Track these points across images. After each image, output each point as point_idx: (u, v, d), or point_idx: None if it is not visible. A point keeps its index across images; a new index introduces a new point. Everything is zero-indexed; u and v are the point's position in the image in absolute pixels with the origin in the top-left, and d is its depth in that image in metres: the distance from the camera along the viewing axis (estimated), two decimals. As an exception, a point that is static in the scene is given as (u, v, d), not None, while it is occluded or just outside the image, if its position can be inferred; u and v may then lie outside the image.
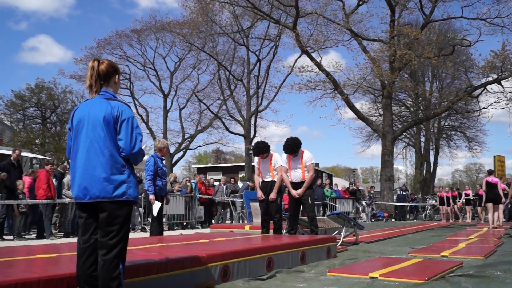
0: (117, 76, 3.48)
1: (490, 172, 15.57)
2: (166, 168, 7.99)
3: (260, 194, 8.10)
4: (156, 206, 7.50)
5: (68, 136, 3.48)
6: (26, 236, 11.18)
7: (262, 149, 8.07)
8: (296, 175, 8.09)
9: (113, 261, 3.19)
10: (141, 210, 13.72)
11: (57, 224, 12.40)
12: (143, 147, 3.40)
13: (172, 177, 16.05)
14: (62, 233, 11.88)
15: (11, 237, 10.81)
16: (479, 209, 20.75)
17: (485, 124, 43.15)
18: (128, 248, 3.40)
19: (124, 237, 3.29)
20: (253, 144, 10.41)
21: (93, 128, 3.28)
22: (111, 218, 3.23)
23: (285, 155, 8.20)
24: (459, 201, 21.32)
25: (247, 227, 9.79)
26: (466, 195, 20.95)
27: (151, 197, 7.52)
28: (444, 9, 34.93)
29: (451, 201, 20.17)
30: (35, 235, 11.32)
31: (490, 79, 25.00)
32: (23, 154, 15.86)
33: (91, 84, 3.37)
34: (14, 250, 5.49)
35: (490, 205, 14.66)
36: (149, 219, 10.21)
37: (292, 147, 7.97)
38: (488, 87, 25.31)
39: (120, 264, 3.23)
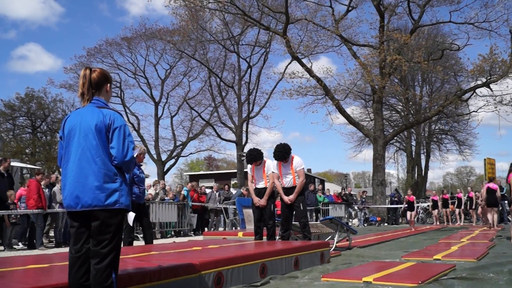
0: (108, 84, 3.48)
1: (490, 179, 17.10)
2: (144, 175, 7.86)
3: (256, 200, 8.07)
4: (131, 215, 7.39)
5: (60, 144, 3.46)
6: (17, 247, 11.08)
7: (256, 157, 8.07)
8: (287, 180, 8.12)
9: (106, 270, 3.17)
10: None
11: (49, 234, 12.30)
12: (134, 155, 3.39)
13: (161, 185, 15.99)
14: (53, 243, 11.79)
15: (2, 248, 10.71)
16: (471, 211, 20.89)
17: (475, 127, 43.57)
18: (120, 256, 3.38)
19: (116, 245, 3.27)
20: (245, 151, 10.42)
21: (85, 136, 3.27)
22: (104, 226, 3.21)
23: (275, 161, 8.22)
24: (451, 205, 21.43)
25: (240, 234, 9.77)
26: (458, 198, 21.05)
27: None
28: (432, 14, 35.30)
29: (439, 204, 20.30)
30: (26, 245, 11.21)
31: (479, 82, 25.25)
32: (13, 164, 15.76)
33: (83, 92, 3.37)
34: (5, 261, 5.44)
35: (490, 209, 16.16)
36: (140, 228, 10.08)
37: (282, 153, 7.99)
38: (477, 90, 25.54)
39: (113, 273, 3.21)
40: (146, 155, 8.11)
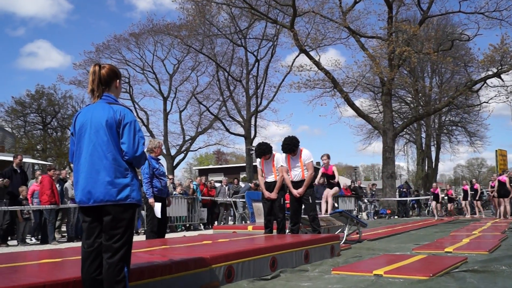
0: (118, 80, 3.51)
1: (502, 172, 18.54)
2: (164, 168, 7.78)
3: (267, 193, 8.04)
4: (158, 207, 7.31)
5: (71, 141, 3.51)
6: (30, 242, 11.22)
7: (264, 151, 8.04)
8: (296, 174, 8.09)
9: (118, 264, 3.21)
10: (144, 213, 13.71)
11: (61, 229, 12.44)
12: (145, 150, 3.41)
13: (170, 180, 16.04)
14: (66, 238, 11.91)
15: (15, 243, 10.84)
16: (475, 203, 20.87)
17: (486, 118, 43.18)
18: (132, 250, 3.41)
19: (128, 240, 3.31)
20: (254, 145, 10.37)
21: (96, 132, 3.30)
22: (115, 221, 3.25)
23: (284, 154, 8.20)
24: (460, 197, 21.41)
25: (250, 228, 9.79)
26: (464, 190, 20.95)
27: (151, 200, 7.21)
28: (441, 4, 35.00)
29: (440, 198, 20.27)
30: (39, 240, 11.33)
31: (489, 73, 24.96)
32: (25, 160, 15.88)
33: (93, 88, 3.40)
34: (18, 255, 5.50)
35: (501, 200, 17.20)
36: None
37: (290, 146, 7.96)
38: (488, 81, 25.30)
39: (125, 267, 3.25)
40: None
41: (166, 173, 8.71)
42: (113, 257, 3.21)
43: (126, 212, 3.29)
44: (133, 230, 3.43)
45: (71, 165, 3.46)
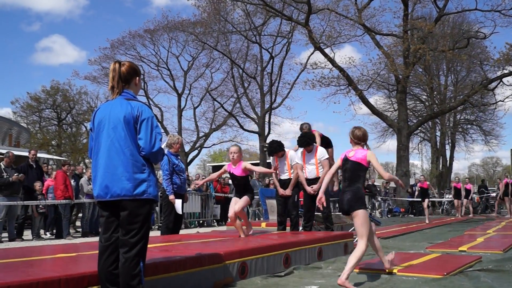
0: (137, 77, 3.56)
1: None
2: (183, 164, 7.75)
3: (282, 191, 8.02)
4: (178, 204, 7.26)
5: (90, 136, 3.57)
6: (45, 236, 11.34)
7: (276, 149, 7.99)
8: (310, 170, 8.05)
9: (134, 259, 3.26)
10: (157, 209, 13.80)
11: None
12: (162, 146, 3.44)
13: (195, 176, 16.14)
14: (80, 233, 12.02)
15: (30, 237, 10.97)
16: (465, 202, 20.83)
17: (502, 117, 42.72)
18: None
19: (145, 235, 3.35)
20: (267, 142, 10.30)
21: (114, 128, 3.35)
22: (132, 216, 3.30)
23: (299, 150, 8.17)
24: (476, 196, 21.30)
25: (263, 224, 9.80)
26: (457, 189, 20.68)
27: (171, 197, 7.19)
28: (458, 2, 34.56)
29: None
30: (53, 235, 11.46)
31: (506, 71, 24.66)
32: (40, 155, 16.07)
33: (113, 85, 3.45)
34: (34, 250, 5.57)
35: (507, 198, 18.05)
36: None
37: (305, 139, 7.91)
38: (504, 79, 24.98)
39: (141, 261, 3.30)
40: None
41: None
42: (130, 252, 3.26)
43: (142, 208, 3.34)
44: (150, 225, 3.47)
45: (86, 160, 3.54)
